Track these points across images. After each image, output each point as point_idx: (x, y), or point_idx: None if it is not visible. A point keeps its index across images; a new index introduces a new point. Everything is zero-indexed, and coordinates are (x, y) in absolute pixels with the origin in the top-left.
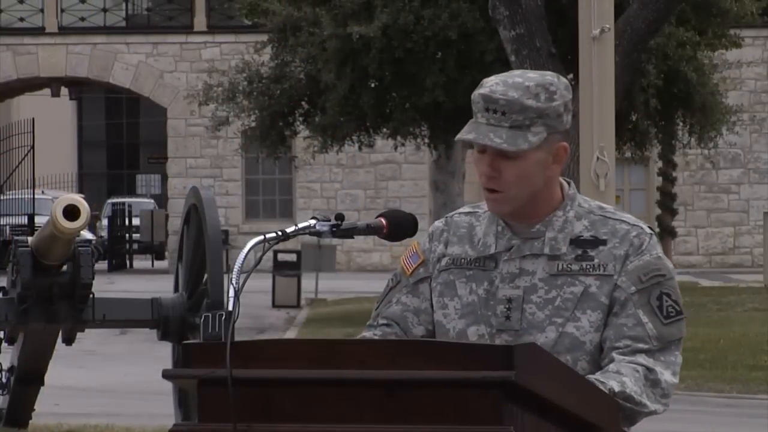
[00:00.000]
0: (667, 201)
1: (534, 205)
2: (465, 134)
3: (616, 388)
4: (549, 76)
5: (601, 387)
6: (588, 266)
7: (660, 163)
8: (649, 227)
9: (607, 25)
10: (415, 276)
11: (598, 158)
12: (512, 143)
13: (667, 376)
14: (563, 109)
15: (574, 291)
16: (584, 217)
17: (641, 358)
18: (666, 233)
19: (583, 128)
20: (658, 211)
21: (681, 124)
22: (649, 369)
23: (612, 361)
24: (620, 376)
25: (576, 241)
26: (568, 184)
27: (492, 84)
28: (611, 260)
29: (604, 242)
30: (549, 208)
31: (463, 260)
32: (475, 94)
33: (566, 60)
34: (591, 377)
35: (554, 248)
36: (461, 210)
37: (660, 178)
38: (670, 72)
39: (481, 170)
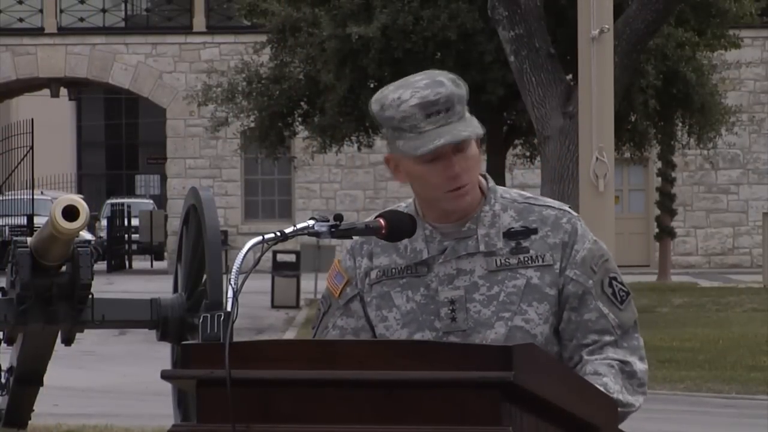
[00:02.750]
0: (666, 201)
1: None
2: (431, 143)
3: (610, 392)
4: (436, 70)
5: None
6: (526, 258)
7: (659, 164)
8: (570, 207)
9: (606, 26)
10: (343, 297)
11: (597, 159)
12: (473, 131)
13: (638, 364)
14: None
15: (517, 284)
16: (509, 207)
17: (611, 352)
18: (665, 234)
19: (583, 129)
20: (658, 211)
21: (680, 124)
22: (623, 362)
23: (581, 360)
24: (600, 377)
25: (508, 234)
26: (485, 177)
27: (411, 94)
28: (547, 249)
29: (535, 231)
30: (475, 204)
31: (393, 270)
32: (405, 109)
33: (565, 60)
34: None
35: (489, 244)
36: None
37: (659, 179)
38: (669, 72)
39: (444, 175)
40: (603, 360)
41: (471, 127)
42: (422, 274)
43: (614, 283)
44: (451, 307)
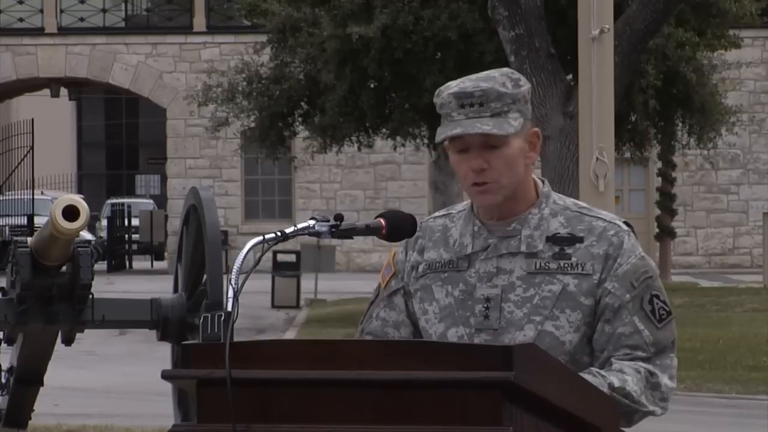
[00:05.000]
0: (666, 201)
1: (515, 199)
2: (450, 131)
3: (616, 384)
4: (505, 68)
5: (601, 380)
6: (566, 265)
7: (659, 164)
8: (625, 222)
9: (607, 26)
10: (388, 289)
11: (597, 159)
12: (500, 128)
13: (665, 380)
14: (528, 95)
15: (553, 289)
16: (560, 213)
17: (641, 362)
18: (665, 234)
19: (583, 129)
20: (658, 211)
21: (680, 124)
22: (651, 372)
23: (611, 365)
24: (622, 374)
25: (553, 239)
26: (543, 182)
27: (458, 83)
28: (589, 259)
29: (581, 239)
30: (525, 206)
31: (437, 264)
32: (444, 96)
33: (565, 60)
34: (593, 369)
35: (531, 246)
36: (436, 214)
37: (659, 179)
38: (669, 72)
39: (469, 167)
40: (631, 363)
41: (500, 126)
42: (462, 269)
43: (655, 300)
44: (485, 305)
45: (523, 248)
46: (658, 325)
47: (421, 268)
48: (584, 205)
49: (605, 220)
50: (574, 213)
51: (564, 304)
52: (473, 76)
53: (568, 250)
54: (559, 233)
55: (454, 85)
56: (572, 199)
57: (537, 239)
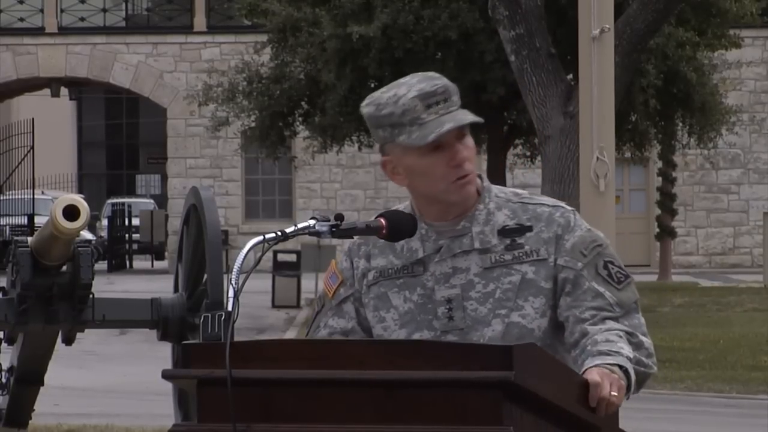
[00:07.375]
0: (666, 201)
1: None
2: (439, 129)
3: (630, 355)
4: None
5: (620, 360)
6: (521, 254)
7: (660, 164)
8: (565, 204)
9: (607, 26)
10: (336, 297)
11: (597, 158)
12: (474, 117)
13: (643, 338)
14: None
15: (512, 280)
16: (504, 206)
17: (612, 323)
18: (666, 234)
19: (583, 128)
20: (658, 211)
21: (680, 124)
22: (629, 333)
23: (585, 333)
24: (615, 344)
25: (503, 231)
26: (480, 177)
27: (406, 89)
28: (542, 244)
29: (530, 228)
30: (470, 203)
31: (390, 270)
32: (405, 102)
33: (566, 60)
34: (603, 349)
35: (484, 242)
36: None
37: (660, 179)
38: (669, 72)
39: (453, 162)
40: (608, 329)
41: (471, 114)
42: (418, 273)
43: (610, 266)
44: (448, 306)
45: (476, 245)
46: (618, 287)
47: (371, 275)
48: (524, 193)
49: (549, 205)
50: (517, 204)
51: (526, 293)
52: (413, 81)
53: (520, 240)
54: (507, 225)
55: (404, 92)
56: (511, 189)
57: (489, 234)
